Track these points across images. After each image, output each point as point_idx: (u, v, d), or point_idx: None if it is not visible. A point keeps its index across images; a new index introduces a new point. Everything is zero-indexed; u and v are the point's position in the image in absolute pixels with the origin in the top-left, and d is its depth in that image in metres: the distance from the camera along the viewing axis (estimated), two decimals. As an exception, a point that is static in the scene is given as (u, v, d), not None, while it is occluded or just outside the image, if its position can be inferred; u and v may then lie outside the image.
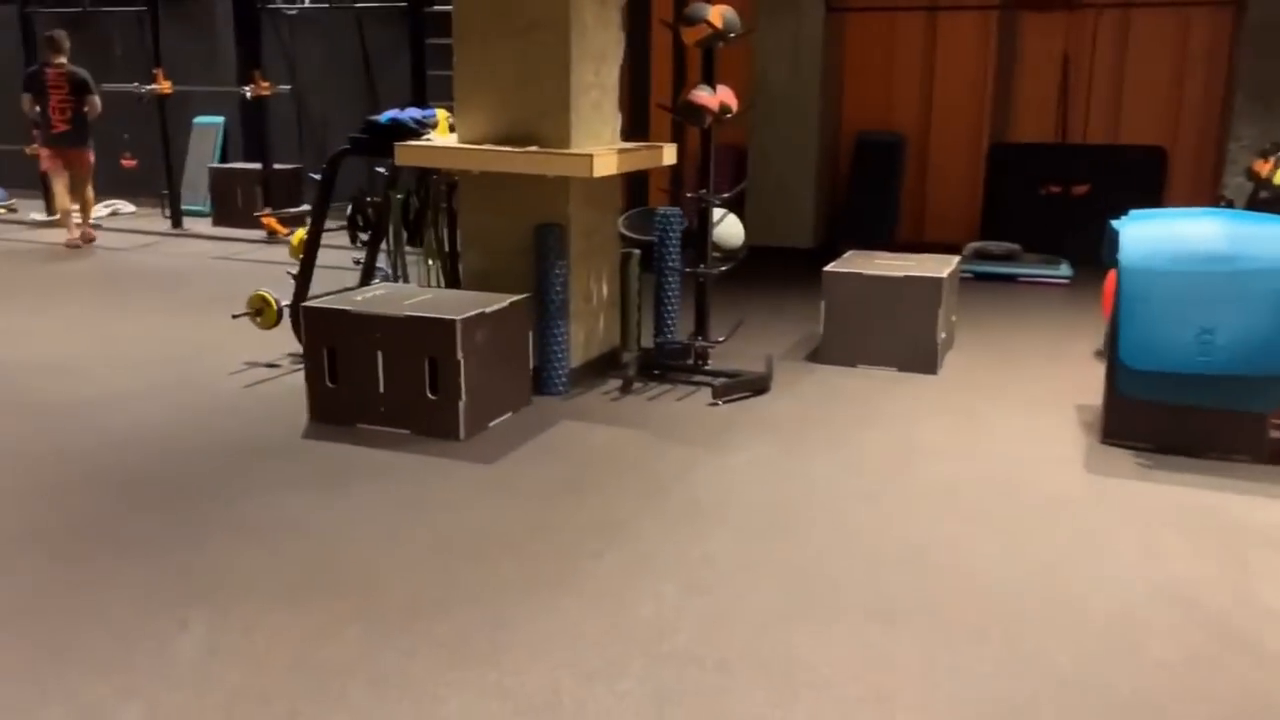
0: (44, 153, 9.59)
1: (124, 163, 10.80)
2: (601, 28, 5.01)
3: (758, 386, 5.08)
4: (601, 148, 4.93)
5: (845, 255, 5.94)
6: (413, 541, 3.41)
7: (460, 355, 4.25)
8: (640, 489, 3.87)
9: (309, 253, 5.46)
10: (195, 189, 11.32)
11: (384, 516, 3.60)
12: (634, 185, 8.56)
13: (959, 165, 9.56)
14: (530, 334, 4.82)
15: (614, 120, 5.22)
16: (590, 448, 4.34)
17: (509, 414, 4.64)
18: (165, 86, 10.04)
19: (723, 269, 5.28)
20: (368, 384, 4.41)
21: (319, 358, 4.51)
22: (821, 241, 9.41)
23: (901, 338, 5.43)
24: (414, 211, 5.45)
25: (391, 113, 5.36)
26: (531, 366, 4.88)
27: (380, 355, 4.38)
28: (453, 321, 4.23)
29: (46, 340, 6.06)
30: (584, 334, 5.16)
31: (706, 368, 5.26)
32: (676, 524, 3.56)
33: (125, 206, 11.47)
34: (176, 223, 10.40)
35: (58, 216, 9.70)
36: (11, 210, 11.33)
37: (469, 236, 5.17)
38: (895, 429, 4.60)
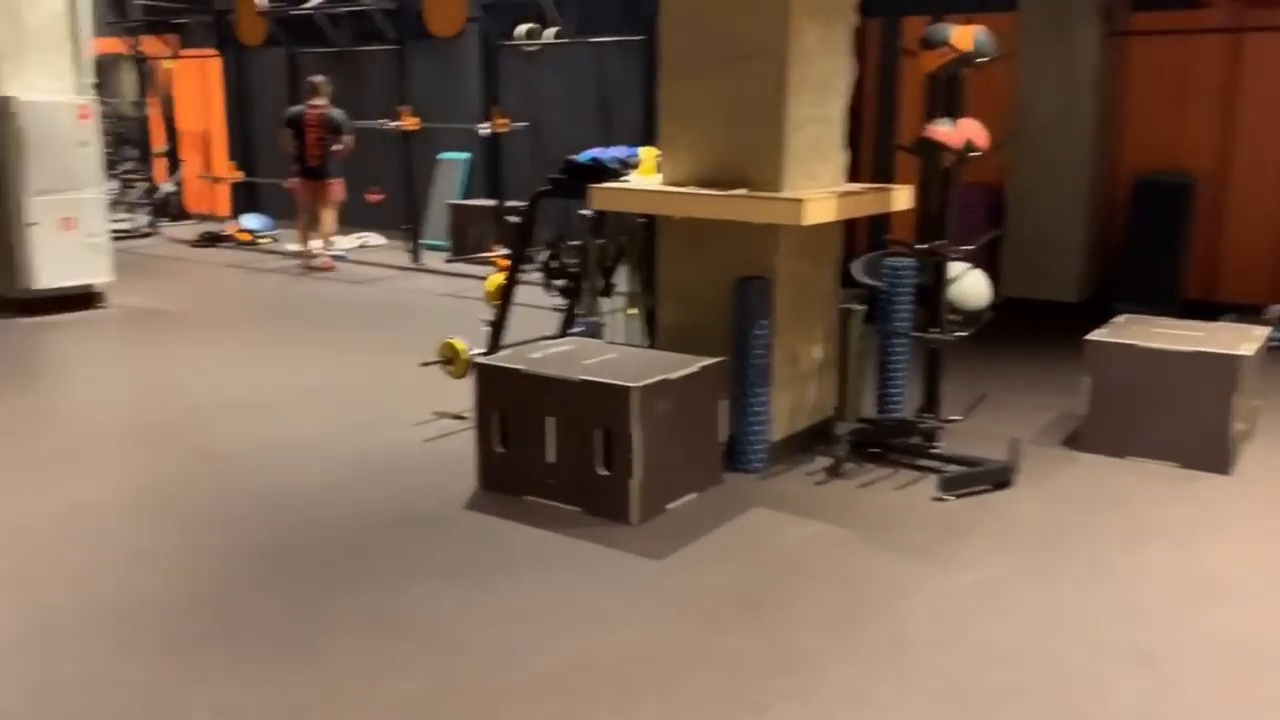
0: (296, 185, 10.01)
1: (370, 197, 11.11)
2: (825, 54, 4.35)
3: (998, 478, 4.22)
4: (818, 191, 4.26)
5: (1118, 320, 4.95)
6: (549, 660, 2.86)
7: (636, 428, 3.70)
8: (834, 612, 3.16)
9: (504, 300, 5.10)
10: (437, 224, 11.50)
11: (525, 623, 3.09)
12: (877, 230, 7.81)
13: (1263, 211, 8.11)
14: (725, 402, 4.21)
15: (836, 159, 4.55)
16: (781, 548, 3.66)
17: (693, 495, 4.04)
18: (412, 123, 10.24)
19: (960, 334, 4.47)
20: (538, 452, 3.94)
21: (489, 419, 4.09)
22: (1089, 296, 8.23)
23: (1186, 425, 4.41)
24: (612, 259, 4.98)
25: (593, 152, 4.93)
26: (725, 438, 4.26)
27: (551, 422, 3.90)
28: (628, 389, 3.69)
29: (247, 375, 6.05)
30: (789, 403, 4.49)
31: (936, 451, 4.45)
32: (871, 670, 2.83)
33: (374, 239, 11.82)
34: (416, 257, 10.55)
35: (304, 247, 10.09)
36: (273, 240, 11.92)
37: (666, 288, 4.64)
38: (1177, 550, 3.63)
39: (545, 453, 3.91)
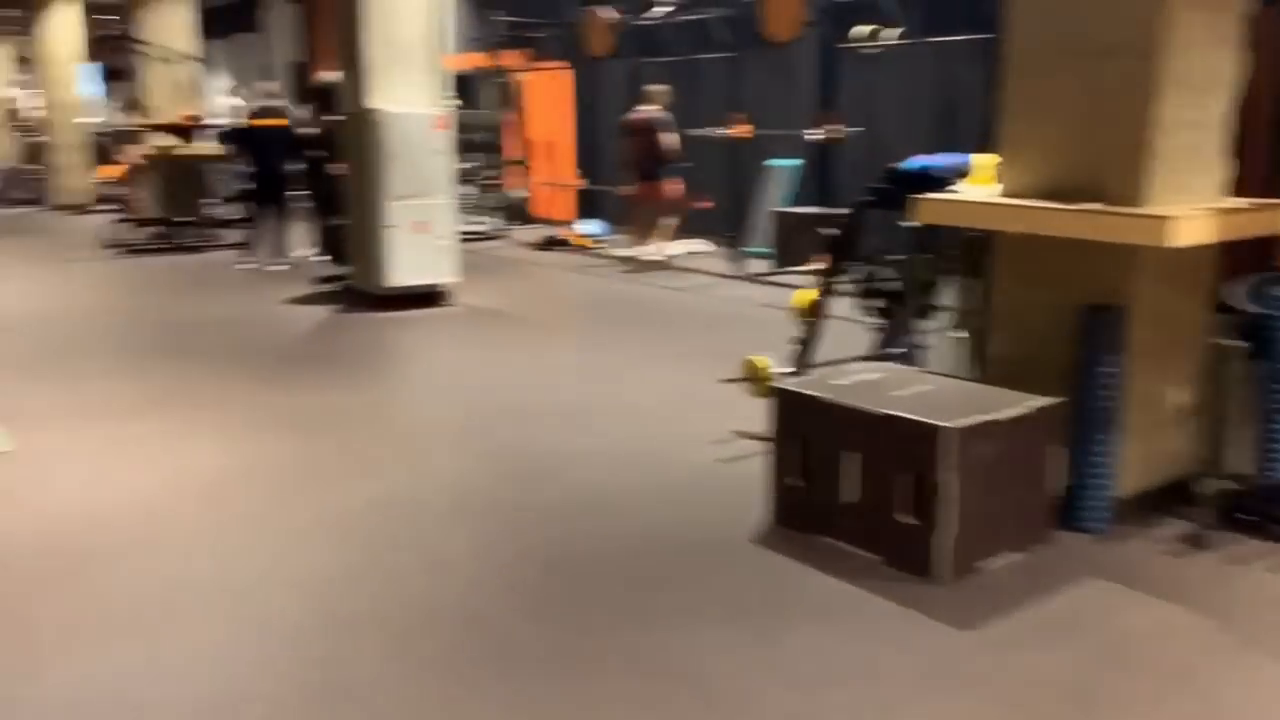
0: (634, 189, 10.26)
1: (698, 204, 11.13)
2: (1210, 46, 3.65)
3: None
4: (1190, 206, 3.59)
5: None
6: (824, 737, 2.53)
7: (949, 474, 3.26)
8: (1183, 724, 2.58)
9: (814, 318, 4.79)
10: (762, 232, 11.33)
11: (807, 692, 2.77)
12: (1263, 250, 6.65)
13: None
14: (1060, 448, 3.65)
15: (1216, 169, 3.82)
16: (1123, 632, 3.08)
17: (1015, 554, 3.52)
18: (743, 130, 10.14)
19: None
20: (836, 490, 3.59)
21: (785, 449, 3.80)
22: None
23: None
24: (936, 278, 4.51)
25: (921, 159, 4.49)
26: (1059, 491, 3.70)
27: (853, 458, 3.54)
28: (941, 429, 3.26)
29: (564, 378, 6.14)
30: (1141, 453, 3.83)
31: (1333, 526, 3.63)
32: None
33: (701, 246, 11.86)
34: (739, 265, 10.43)
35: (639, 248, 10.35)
36: (608, 245, 12.27)
37: (999, 314, 4.11)
38: None
39: (844, 492, 3.56)
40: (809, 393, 3.72)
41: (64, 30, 16.68)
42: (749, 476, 4.26)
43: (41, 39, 16.79)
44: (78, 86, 17.27)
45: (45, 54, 16.73)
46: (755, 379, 4.89)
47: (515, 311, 8.51)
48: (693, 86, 11.84)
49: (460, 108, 14.92)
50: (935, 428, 3.27)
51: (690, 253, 11.41)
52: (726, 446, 4.76)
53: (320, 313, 8.21)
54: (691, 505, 4.10)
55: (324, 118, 9.47)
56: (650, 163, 9.99)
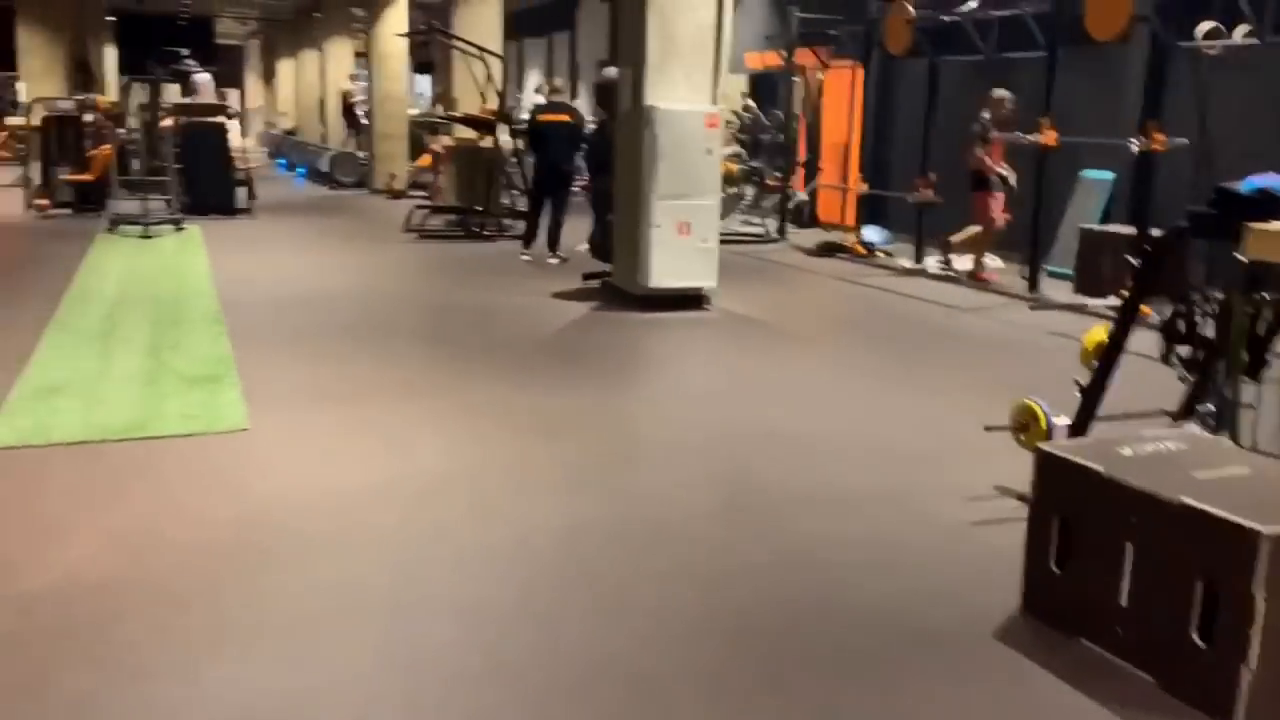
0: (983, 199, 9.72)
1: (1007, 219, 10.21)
2: None
3: None
4: None
5: None
6: None
7: (1260, 590, 2.50)
8: None
9: (1105, 364, 4.00)
10: (1066, 251, 10.19)
11: None
12: None
13: None
14: None
15: None
16: None
17: (1349, 704, 2.68)
18: (1050, 138, 9.12)
19: None
20: (1106, 586, 2.89)
21: (1045, 526, 3.12)
22: None
23: None
24: (1266, 327, 3.62)
25: (1261, 179, 3.61)
26: None
27: (1130, 550, 2.83)
28: (1250, 532, 2.50)
29: (809, 400, 5.62)
30: None
31: None
32: None
33: (993, 261, 10.87)
34: (1033, 286, 9.41)
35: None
36: (888, 254, 11.53)
37: (1352, 380, 3.22)
38: None
39: (1117, 591, 2.85)
40: (1082, 461, 3.02)
41: (395, 27, 17.90)
42: (1006, 547, 3.58)
43: (376, 35, 18.12)
44: (404, 80, 18.54)
45: (378, 49, 18.04)
46: (1027, 429, 4.18)
47: (774, 321, 8.05)
48: (996, 88, 10.84)
49: (753, 107, 14.71)
50: (1249, 530, 2.51)
51: (985, 269, 10.48)
52: (983, 504, 4.08)
53: (580, 309, 8.12)
54: (929, 575, 3.50)
55: (604, 114, 9.43)
56: (971, 170, 9.57)
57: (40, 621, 3.01)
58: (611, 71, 8.93)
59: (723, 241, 10.73)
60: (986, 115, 9.62)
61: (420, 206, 12.94)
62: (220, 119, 14.90)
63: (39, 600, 3.13)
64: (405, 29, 17.86)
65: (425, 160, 16.65)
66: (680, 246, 7.99)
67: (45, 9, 16.27)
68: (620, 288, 8.41)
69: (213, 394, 5.33)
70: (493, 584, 3.36)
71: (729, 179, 13.60)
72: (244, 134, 26.37)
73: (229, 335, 6.73)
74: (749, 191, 13.92)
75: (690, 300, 8.12)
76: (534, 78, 23.58)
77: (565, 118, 10.47)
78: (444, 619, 3.09)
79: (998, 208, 9.74)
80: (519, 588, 3.34)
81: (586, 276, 9.21)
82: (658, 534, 3.79)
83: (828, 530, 3.84)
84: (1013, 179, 9.71)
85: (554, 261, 10.38)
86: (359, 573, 3.39)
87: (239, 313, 7.48)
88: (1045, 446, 3.22)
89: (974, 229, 9.88)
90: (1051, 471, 3.13)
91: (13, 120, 16.49)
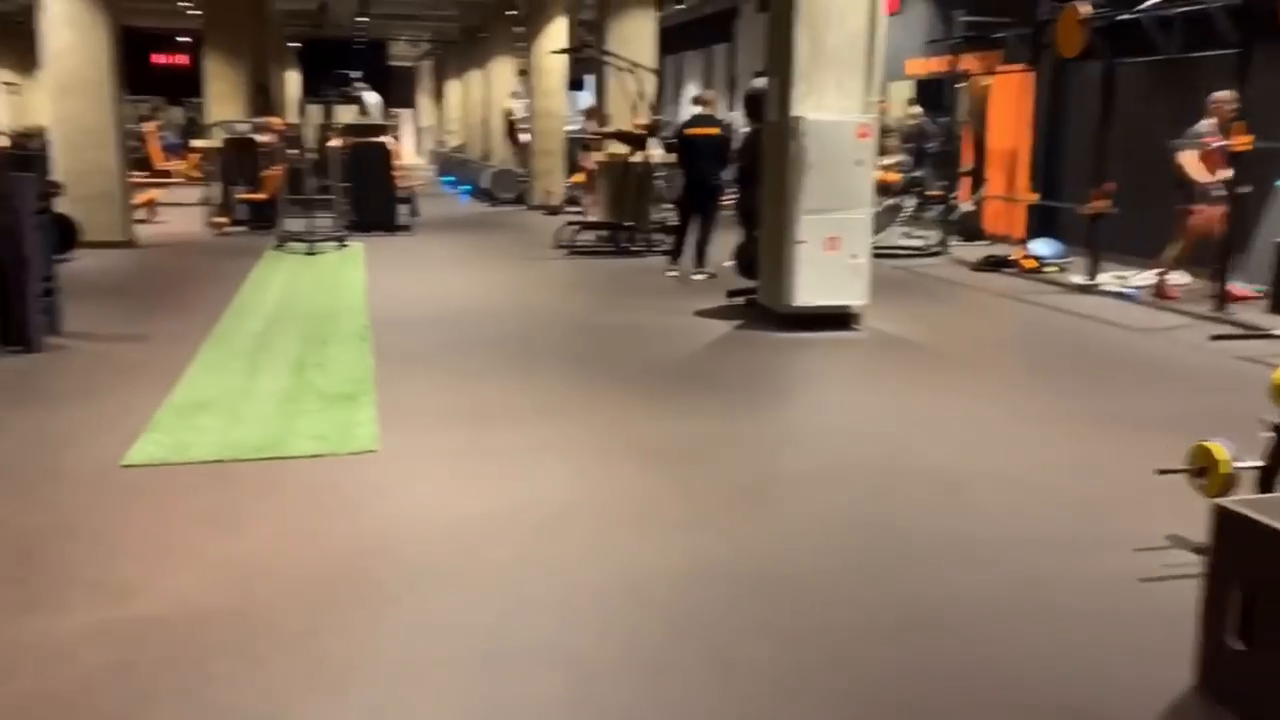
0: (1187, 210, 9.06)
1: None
2: None
3: None
4: None
5: None
6: None
7: None
8: None
9: (1301, 401, 3.50)
10: (1259, 266, 9.30)
11: None
12: None
13: None
14: None
15: None
16: None
17: None
18: (1244, 142, 8.34)
19: None
20: (1299, 672, 2.46)
21: (1223, 594, 2.69)
22: None
23: None
24: None
25: None
26: None
27: (1330, 633, 2.39)
28: None
29: (945, 431, 5.21)
30: None
31: None
32: None
33: (1179, 277, 10.03)
34: (1221, 305, 8.60)
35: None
36: (1061, 269, 10.82)
37: None
38: None
39: (1311, 679, 2.42)
40: (1269, 522, 2.60)
41: (554, 44, 18.12)
42: (1176, 611, 3.15)
43: (536, 53, 18.39)
44: (561, 96, 18.75)
45: (537, 66, 18.29)
46: (1206, 474, 3.70)
47: (928, 343, 7.60)
48: (1184, 92, 10.03)
49: (919, 114, 14.15)
50: None
51: (1171, 285, 9.68)
52: (1153, 558, 3.64)
53: (722, 328, 7.89)
54: (1086, 642, 3.10)
55: (753, 126, 9.18)
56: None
57: (147, 651, 3.00)
58: (761, 82, 8.67)
59: (880, 255, 10.33)
60: (1209, 121, 8.72)
61: (570, 222, 12.99)
62: (384, 139, 15.39)
63: (149, 627, 3.13)
64: (562, 46, 18.04)
65: (580, 176, 16.78)
66: (828, 263, 7.66)
67: (229, 37, 17.21)
68: (765, 305, 8.14)
69: (348, 413, 5.36)
70: (600, 631, 3.17)
71: (889, 189, 13.12)
72: (416, 151, 27.15)
73: (374, 351, 6.82)
74: (910, 202, 13.37)
75: (838, 319, 7.77)
76: (692, 91, 23.51)
77: (713, 131, 10.27)
78: (545, 670, 2.92)
79: (1206, 220, 8.88)
80: (628, 635, 3.14)
81: (731, 294, 8.97)
82: (782, 582, 3.52)
83: (973, 586, 3.48)
84: (1237, 187, 8.73)
85: (700, 277, 10.18)
86: (465, 613, 3.25)
87: (387, 329, 7.59)
88: (1226, 503, 2.79)
89: (1179, 243, 9.08)
90: (1233, 530, 2.70)
91: (199, 143, 17.48)
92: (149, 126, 23.41)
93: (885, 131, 14.47)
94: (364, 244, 12.73)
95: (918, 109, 14.23)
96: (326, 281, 9.97)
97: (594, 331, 7.91)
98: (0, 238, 6.58)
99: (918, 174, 13.50)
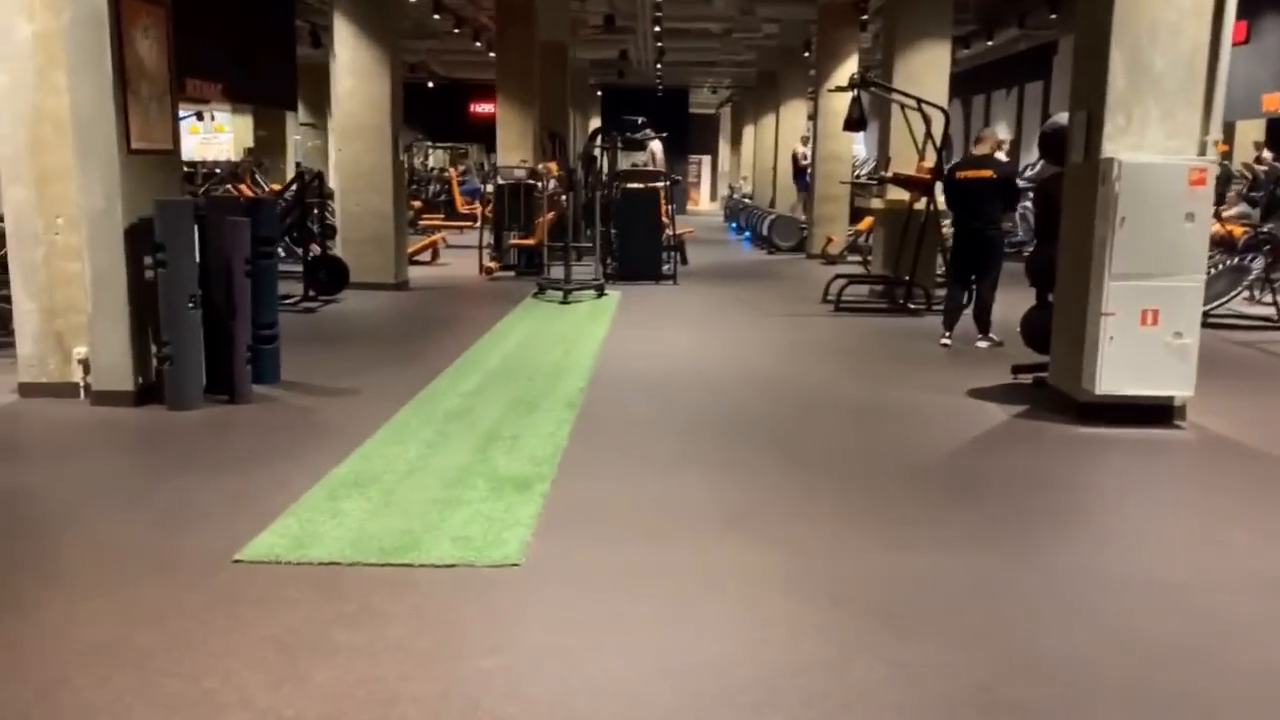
0: None
1: None
2: None
3: None
4: None
5: None
6: None
7: None
8: None
9: None
10: None
11: None
12: None
13: None
14: None
15: None
16: None
17: None
18: None
19: None
20: None
21: None
22: None
23: None
24: None
25: None
26: None
27: None
28: None
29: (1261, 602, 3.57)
30: None
31: None
32: None
33: None
34: None
35: None
36: None
37: None
38: None
39: None
40: None
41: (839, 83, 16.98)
42: None
43: (822, 93, 17.35)
44: (848, 139, 17.55)
45: (825, 108, 17.24)
46: None
47: (1268, 448, 5.78)
48: None
49: (1269, 159, 11.80)
50: None
51: None
52: None
53: (998, 415, 6.44)
54: None
55: (1049, 169, 7.64)
56: None
57: None
58: (1062, 117, 7.16)
59: (1216, 325, 8.47)
60: None
61: (840, 275, 11.78)
62: (657, 185, 14.88)
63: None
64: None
65: (866, 223, 15.51)
66: (1142, 340, 6.04)
67: (518, 86, 17.46)
68: (1057, 388, 6.60)
69: (510, 508, 4.53)
70: None
71: (1230, 245, 10.96)
72: (712, 198, 26.48)
73: (576, 423, 6.01)
74: (1259, 263, 11.07)
75: (1154, 413, 6.12)
76: (1001, 132, 21.54)
77: (985, 174, 8.78)
78: None
79: None
80: None
81: (1016, 370, 7.45)
82: None
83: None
84: None
85: (982, 345, 8.69)
86: None
87: (603, 394, 6.79)
88: None
89: None
90: None
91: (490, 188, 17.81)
92: (453, 172, 24.55)
93: (1226, 179, 12.25)
94: (623, 293, 12.15)
95: (1268, 154, 11.88)
96: (567, 334, 9.37)
97: (832, 410, 6.68)
98: (212, 284, 6.37)
99: (1267, 228, 11.21)
